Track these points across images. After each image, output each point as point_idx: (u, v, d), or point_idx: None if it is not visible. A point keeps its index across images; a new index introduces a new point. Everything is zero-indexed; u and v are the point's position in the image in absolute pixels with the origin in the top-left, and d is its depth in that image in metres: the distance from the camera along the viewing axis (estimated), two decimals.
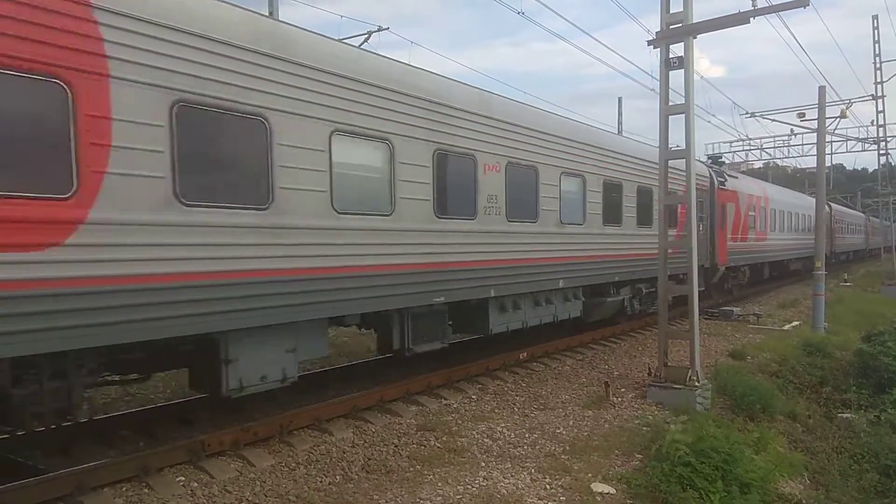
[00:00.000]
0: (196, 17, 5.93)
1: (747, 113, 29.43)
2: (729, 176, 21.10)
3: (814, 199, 39.65)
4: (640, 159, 14.09)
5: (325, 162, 7.06)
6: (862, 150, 39.65)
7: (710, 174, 19.19)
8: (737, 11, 9.32)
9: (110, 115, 5.30)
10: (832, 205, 43.69)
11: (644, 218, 14.19)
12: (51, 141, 4.98)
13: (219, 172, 6.20)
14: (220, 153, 6.21)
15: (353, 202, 7.46)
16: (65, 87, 5.04)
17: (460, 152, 9.05)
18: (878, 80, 32.01)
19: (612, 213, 12.87)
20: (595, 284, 12.71)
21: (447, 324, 9.51)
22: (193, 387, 7.42)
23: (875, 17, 32.80)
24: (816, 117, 19.01)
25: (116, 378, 6.68)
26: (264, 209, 6.47)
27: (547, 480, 6.47)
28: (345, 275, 7.34)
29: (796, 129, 31.83)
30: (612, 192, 12.90)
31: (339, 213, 7.26)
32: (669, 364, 9.80)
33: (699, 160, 19.90)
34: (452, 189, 8.92)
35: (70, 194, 5.07)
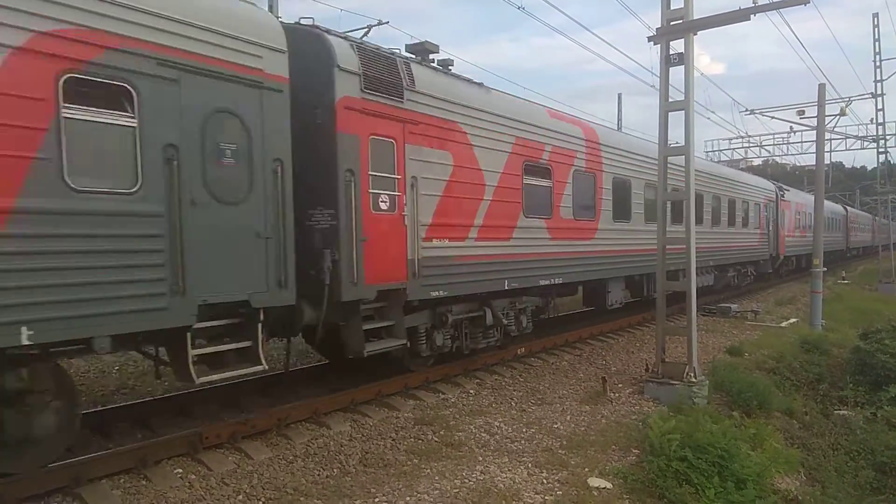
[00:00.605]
0: (624, 142, 14.15)
1: (747, 110, 29.56)
2: (784, 189, 28.33)
3: (838, 205, 42.81)
4: (732, 180, 21.38)
5: (642, 198, 14.39)
6: (861, 148, 39.72)
7: (775, 189, 26.58)
8: (738, 8, 9.31)
9: (602, 185, 12.71)
10: (848, 208, 47.25)
11: (742, 221, 21.81)
12: (592, 198, 12.38)
13: (623, 206, 13.60)
14: (621, 197, 13.52)
15: (645, 217, 14.49)
16: (595, 177, 12.41)
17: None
18: (878, 77, 31.98)
19: (729, 218, 20.83)
20: (719, 265, 20.07)
21: None
22: (585, 304, 15.23)
23: (875, 16, 32.86)
24: (816, 115, 19.09)
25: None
26: (629, 221, 13.81)
27: (544, 475, 6.49)
28: (638, 254, 14.16)
29: (796, 127, 31.94)
30: (731, 204, 20.74)
31: (643, 223, 14.37)
32: (667, 360, 9.83)
33: (772, 182, 28.06)
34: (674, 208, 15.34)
35: (595, 218, 12.45)
